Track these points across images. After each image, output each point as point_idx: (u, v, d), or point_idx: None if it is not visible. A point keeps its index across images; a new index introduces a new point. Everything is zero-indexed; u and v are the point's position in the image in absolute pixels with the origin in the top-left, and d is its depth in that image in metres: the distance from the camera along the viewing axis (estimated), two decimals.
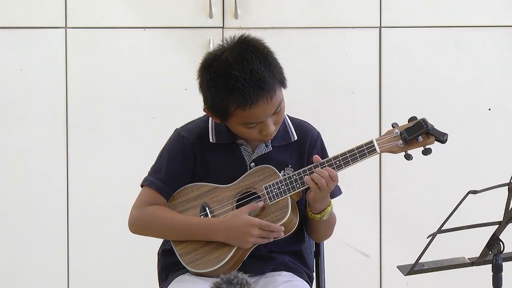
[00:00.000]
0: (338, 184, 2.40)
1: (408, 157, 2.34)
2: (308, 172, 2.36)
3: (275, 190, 2.38)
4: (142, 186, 2.50)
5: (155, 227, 2.45)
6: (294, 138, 2.48)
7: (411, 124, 2.33)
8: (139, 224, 2.47)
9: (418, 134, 2.30)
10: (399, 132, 2.33)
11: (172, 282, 2.44)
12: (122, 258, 3.94)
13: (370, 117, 3.91)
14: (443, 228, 2.19)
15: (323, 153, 2.50)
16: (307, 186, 2.35)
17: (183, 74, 3.88)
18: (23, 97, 3.93)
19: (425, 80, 3.91)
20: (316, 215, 2.42)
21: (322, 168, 2.35)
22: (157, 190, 2.46)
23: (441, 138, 2.31)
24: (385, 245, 3.94)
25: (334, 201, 2.47)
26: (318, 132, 2.53)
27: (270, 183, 2.38)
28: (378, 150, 2.34)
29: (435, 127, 2.31)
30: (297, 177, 2.37)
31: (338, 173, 2.36)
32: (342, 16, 3.91)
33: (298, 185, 2.37)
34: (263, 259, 2.46)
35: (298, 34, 3.91)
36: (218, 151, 2.45)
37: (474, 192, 2.16)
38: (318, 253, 2.66)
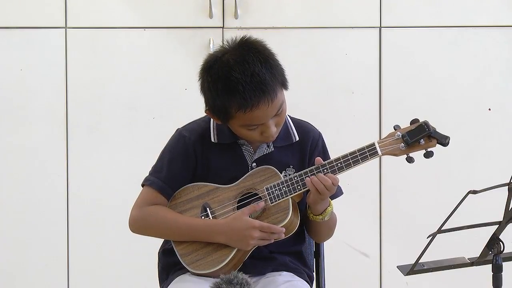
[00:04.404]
0: (338, 185, 2.41)
1: (410, 160, 2.33)
2: (309, 174, 2.35)
3: (276, 192, 2.38)
4: (143, 185, 2.50)
5: (156, 227, 2.45)
6: (295, 138, 2.48)
7: (413, 126, 2.32)
8: (140, 224, 2.47)
9: (420, 137, 2.30)
10: (401, 134, 2.32)
11: (172, 282, 2.45)
12: (122, 258, 3.94)
13: (370, 117, 3.91)
14: (443, 228, 2.19)
15: (324, 153, 2.50)
16: (308, 188, 2.36)
17: (183, 74, 3.88)
18: (23, 97, 3.93)
19: (425, 80, 3.91)
20: (317, 216, 2.42)
21: (323, 169, 2.35)
22: (158, 190, 2.46)
23: (443, 141, 2.30)
24: (385, 245, 3.94)
25: (334, 201, 2.47)
26: (319, 132, 2.53)
27: (271, 184, 2.38)
28: (380, 152, 2.34)
29: (437, 129, 2.31)
30: (298, 178, 2.36)
31: (339, 175, 2.36)
32: (342, 16, 3.91)
33: (299, 187, 2.37)
34: (263, 259, 2.46)
35: (298, 34, 3.91)
36: (220, 151, 2.45)
37: (474, 192, 2.15)
38: (318, 253, 2.66)
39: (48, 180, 3.94)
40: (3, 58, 3.93)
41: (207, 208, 2.42)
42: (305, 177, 2.35)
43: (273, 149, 2.46)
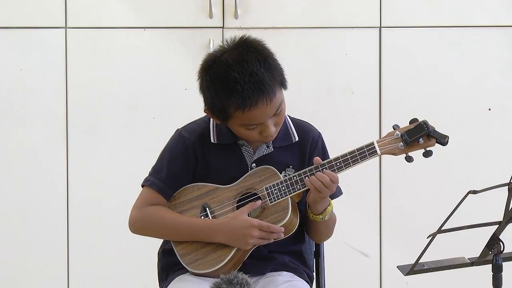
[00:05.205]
0: (338, 184, 2.41)
1: (409, 159, 2.34)
2: (308, 174, 2.36)
3: (276, 191, 2.38)
4: (142, 186, 2.50)
5: (155, 227, 2.45)
6: (295, 139, 2.48)
7: (412, 126, 2.33)
8: (139, 224, 2.48)
9: (419, 136, 2.30)
10: (400, 134, 2.33)
11: (172, 282, 2.45)
12: (122, 258, 3.94)
13: (370, 117, 3.91)
14: (443, 228, 2.19)
15: (324, 153, 2.50)
16: (307, 187, 2.36)
17: (183, 74, 3.88)
18: (23, 97, 3.93)
19: (425, 80, 3.91)
20: (317, 216, 2.42)
21: (322, 169, 2.35)
22: (157, 191, 2.46)
23: (442, 140, 2.31)
24: (385, 245, 3.94)
25: (334, 201, 2.47)
26: (319, 132, 2.53)
27: (271, 184, 2.38)
28: (379, 152, 2.34)
29: (436, 129, 2.31)
30: (298, 178, 2.37)
31: (338, 174, 2.36)
32: (342, 16, 3.91)
33: (298, 187, 2.37)
34: (263, 259, 2.46)
35: (298, 34, 3.91)
36: (219, 151, 2.45)
37: (474, 192, 2.15)
38: (318, 253, 2.66)
39: (48, 180, 3.94)
40: (3, 58, 3.93)
41: (207, 208, 2.42)
42: (304, 177, 2.35)
43: (272, 150, 2.46)
